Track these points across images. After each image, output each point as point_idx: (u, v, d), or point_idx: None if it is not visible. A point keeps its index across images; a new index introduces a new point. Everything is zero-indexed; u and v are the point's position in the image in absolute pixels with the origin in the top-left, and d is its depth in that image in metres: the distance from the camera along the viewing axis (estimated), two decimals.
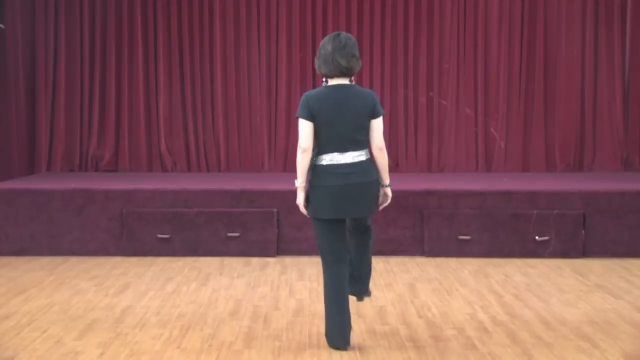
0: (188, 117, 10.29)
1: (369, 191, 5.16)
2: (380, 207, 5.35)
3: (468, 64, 10.28)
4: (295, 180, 5.19)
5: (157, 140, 10.30)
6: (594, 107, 10.29)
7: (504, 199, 8.21)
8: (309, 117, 5.08)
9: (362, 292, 5.54)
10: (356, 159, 5.12)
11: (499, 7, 10.24)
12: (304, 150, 5.09)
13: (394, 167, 9.88)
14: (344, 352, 5.14)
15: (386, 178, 5.26)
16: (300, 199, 5.20)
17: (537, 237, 8.09)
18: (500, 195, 8.22)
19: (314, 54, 10.21)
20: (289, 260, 8.10)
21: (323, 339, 5.36)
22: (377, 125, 5.15)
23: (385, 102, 10.12)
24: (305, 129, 5.09)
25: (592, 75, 10.27)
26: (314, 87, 10.22)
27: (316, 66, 5.19)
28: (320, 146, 5.13)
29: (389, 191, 5.30)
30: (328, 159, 5.12)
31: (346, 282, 5.24)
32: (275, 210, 8.22)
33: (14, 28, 9.79)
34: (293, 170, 10.07)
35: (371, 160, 5.20)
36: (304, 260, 8.06)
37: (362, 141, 5.14)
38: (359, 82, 9.72)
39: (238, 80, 10.30)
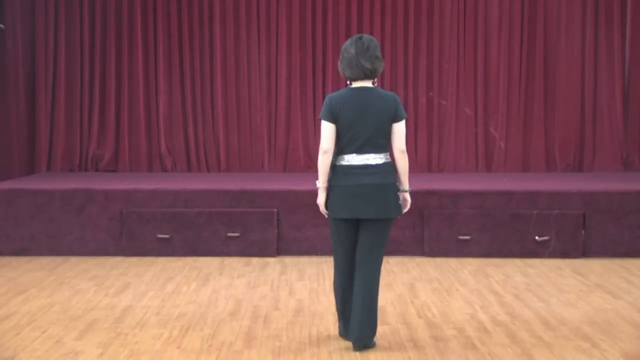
0: (188, 117, 10.29)
1: (384, 194, 5.13)
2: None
3: (468, 64, 10.28)
4: (317, 181, 5.22)
5: (157, 140, 10.30)
6: (594, 107, 10.28)
7: (504, 199, 8.20)
8: (332, 119, 5.11)
9: (363, 340, 5.16)
10: (374, 162, 5.12)
11: (499, 7, 10.23)
12: (325, 152, 5.12)
13: None
14: (344, 352, 5.14)
15: (406, 183, 5.23)
16: (320, 199, 5.23)
17: (537, 237, 8.09)
18: (500, 195, 8.22)
19: (314, 54, 10.23)
20: (289, 260, 8.09)
21: (323, 339, 5.37)
22: (399, 129, 5.15)
23: None
24: (327, 131, 5.12)
25: (592, 75, 10.27)
26: (314, 86, 10.26)
27: (340, 70, 5.21)
28: (341, 147, 5.15)
29: (407, 196, 5.27)
30: (347, 159, 5.14)
31: (352, 281, 5.26)
32: (275, 210, 8.22)
33: (14, 28, 9.79)
34: (293, 170, 10.24)
35: (391, 165, 5.19)
36: (304, 260, 8.06)
37: (382, 145, 5.14)
38: None
39: (238, 80, 10.30)
